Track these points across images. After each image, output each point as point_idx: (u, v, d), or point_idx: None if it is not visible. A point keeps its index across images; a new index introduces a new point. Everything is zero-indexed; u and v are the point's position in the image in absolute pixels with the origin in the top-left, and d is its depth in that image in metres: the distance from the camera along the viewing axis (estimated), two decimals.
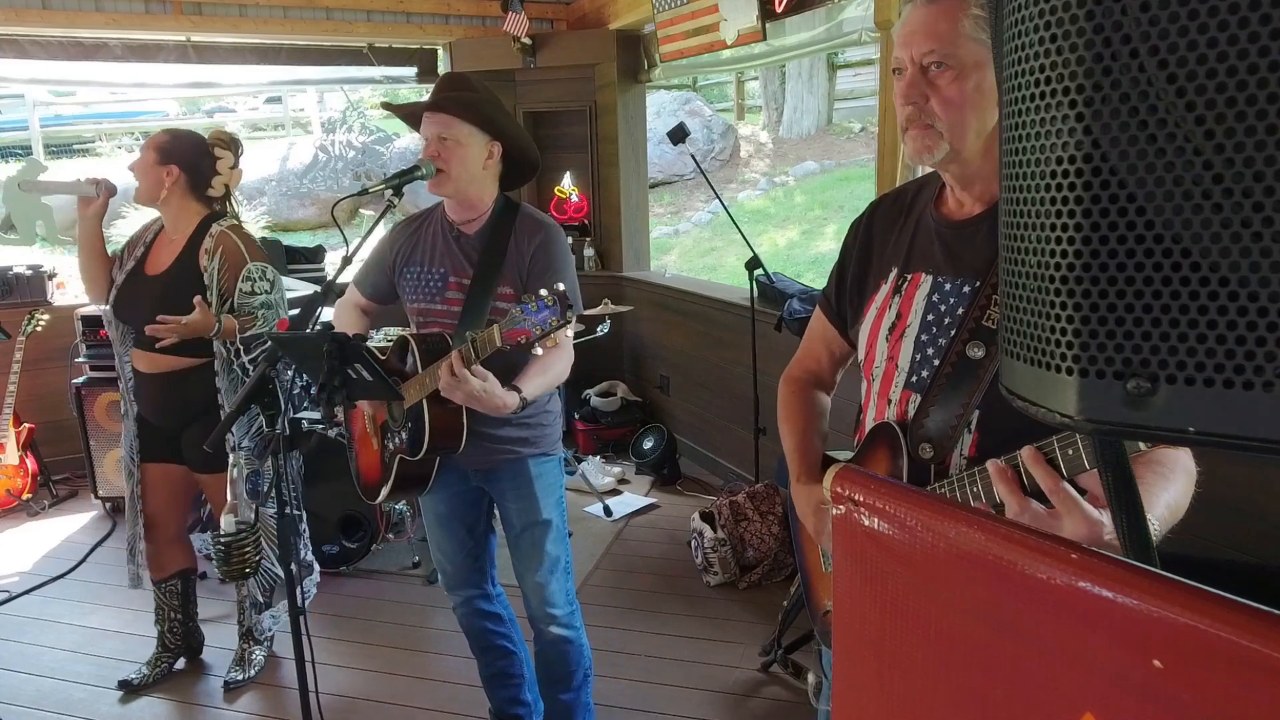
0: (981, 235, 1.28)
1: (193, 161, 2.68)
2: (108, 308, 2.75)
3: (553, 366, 2.06)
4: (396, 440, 2.15)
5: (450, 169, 2.06)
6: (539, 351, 1.80)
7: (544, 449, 2.24)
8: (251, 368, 2.73)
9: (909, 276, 1.36)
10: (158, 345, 2.59)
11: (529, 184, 5.60)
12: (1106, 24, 0.43)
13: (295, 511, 2.88)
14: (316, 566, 3.14)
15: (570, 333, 2.05)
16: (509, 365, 2.00)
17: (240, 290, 2.67)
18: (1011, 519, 1.05)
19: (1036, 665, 0.56)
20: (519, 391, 1.95)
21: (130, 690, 2.91)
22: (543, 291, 1.77)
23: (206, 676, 3.04)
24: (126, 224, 9.59)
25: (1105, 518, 0.98)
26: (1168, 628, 0.48)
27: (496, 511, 2.36)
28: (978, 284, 1.26)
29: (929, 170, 1.38)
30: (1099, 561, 0.52)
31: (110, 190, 2.72)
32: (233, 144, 2.77)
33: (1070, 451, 1.01)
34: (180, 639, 3.04)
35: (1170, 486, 1.11)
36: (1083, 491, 1.02)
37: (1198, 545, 2.18)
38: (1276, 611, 0.45)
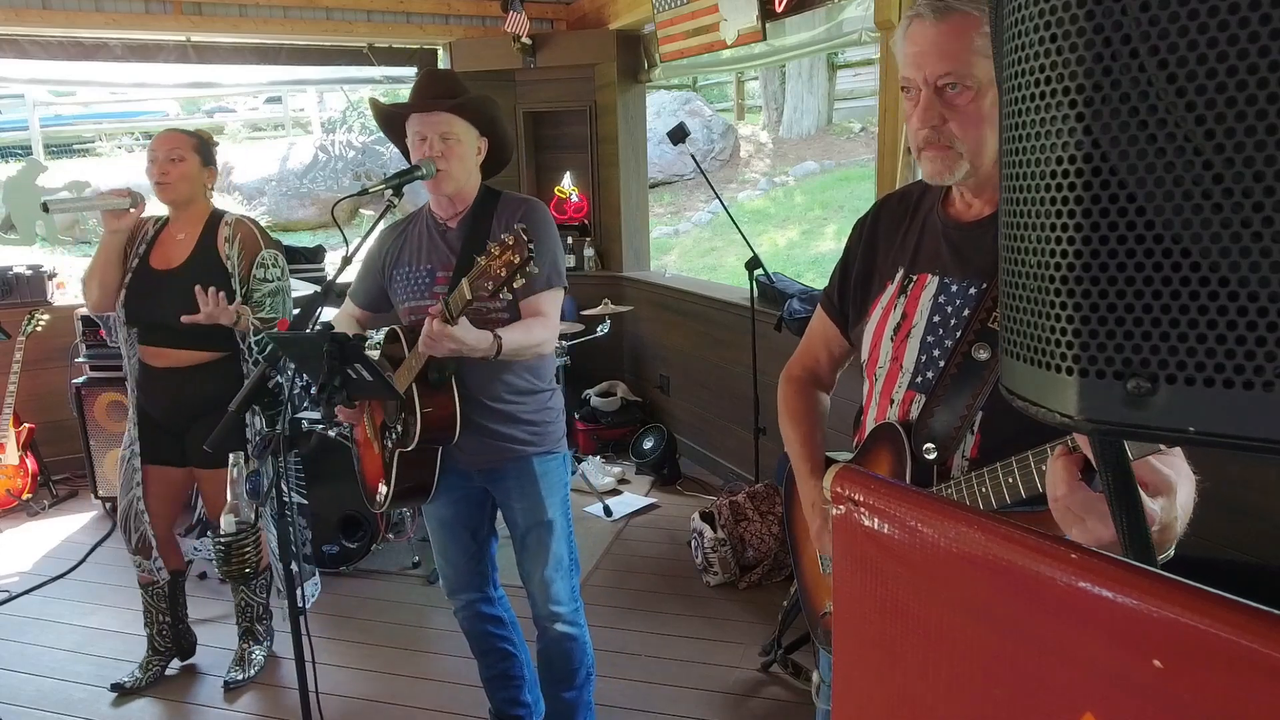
0: (990, 237, 1.27)
1: (214, 159, 2.81)
2: (118, 310, 2.73)
3: (533, 328, 2.09)
4: (394, 437, 2.15)
5: (451, 167, 2.08)
6: (508, 295, 1.82)
7: (548, 446, 2.24)
8: (262, 357, 2.75)
9: (914, 277, 1.36)
10: (184, 320, 2.60)
11: (529, 185, 5.61)
12: (1106, 24, 0.43)
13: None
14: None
15: (555, 300, 2.14)
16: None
17: (254, 276, 2.74)
18: (1057, 500, 0.97)
19: (1036, 665, 0.56)
20: (495, 333, 1.99)
21: (123, 693, 2.90)
22: (503, 235, 1.79)
23: (206, 677, 3.04)
24: None
25: (1156, 505, 0.94)
26: (1168, 628, 0.48)
27: (499, 513, 2.36)
28: (984, 285, 1.26)
29: None
30: (1099, 561, 0.52)
31: (144, 204, 2.71)
32: (216, 141, 2.90)
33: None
34: (170, 641, 3.03)
35: (1179, 489, 1.11)
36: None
37: (1198, 545, 2.18)
38: (1276, 611, 0.45)
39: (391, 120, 2.17)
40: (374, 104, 2.26)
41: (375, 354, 2.15)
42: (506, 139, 2.24)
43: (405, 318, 2.23)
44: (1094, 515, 0.91)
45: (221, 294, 2.58)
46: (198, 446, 2.76)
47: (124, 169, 10.96)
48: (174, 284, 2.67)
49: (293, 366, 2.20)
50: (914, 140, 1.25)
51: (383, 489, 2.20)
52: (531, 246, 1.77)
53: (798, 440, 1.56)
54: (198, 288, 2.57)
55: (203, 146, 2.73)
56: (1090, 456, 0.97)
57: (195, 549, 3.75)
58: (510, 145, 2.26)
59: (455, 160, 2.08)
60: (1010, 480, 1.12)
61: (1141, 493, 0.96)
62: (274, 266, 2.77)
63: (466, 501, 2.30)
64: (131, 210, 2.66)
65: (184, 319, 2.56)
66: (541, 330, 2.10)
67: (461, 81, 2.17)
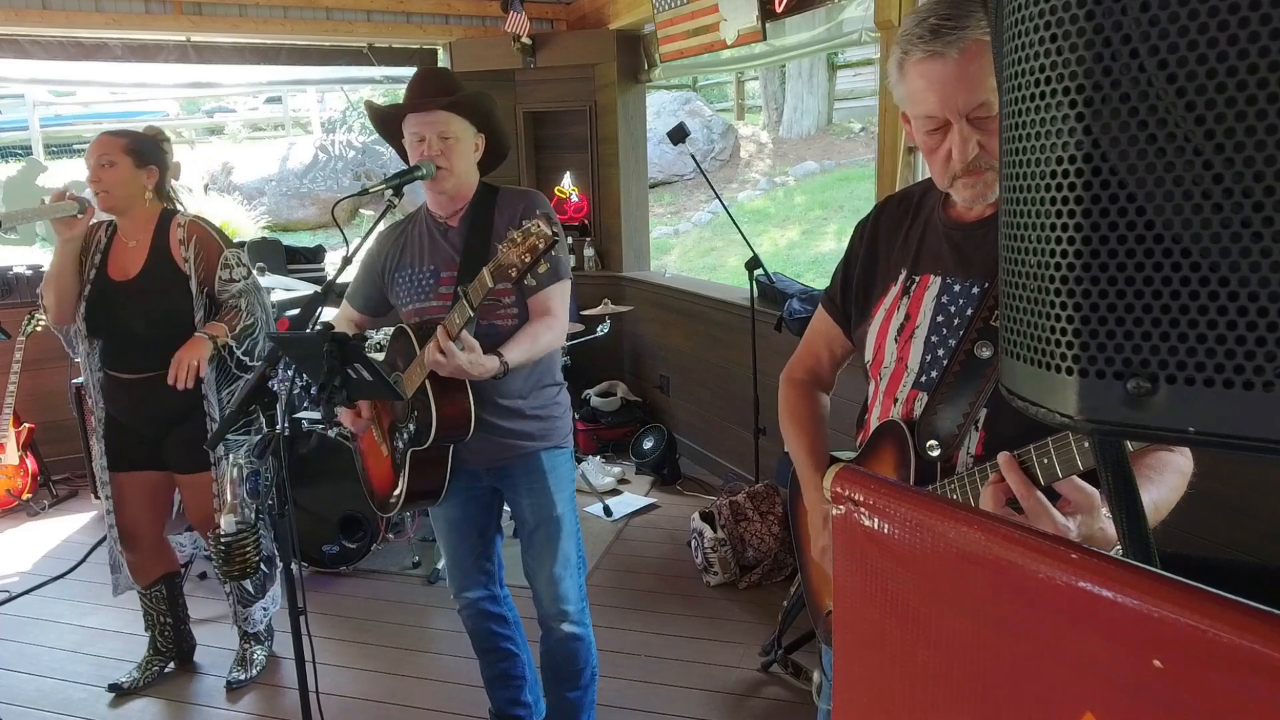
0: (991, 237, 1.28)
1: (159, 158, 2.68)
2: (79, 324, 2.65)
3: (540, 335, 2.08)
4: (405, 436, 2.15)
5: (452, 166, 2.08)
6: (532, 281, 1.81)
7: (555, 441, 2.24)
8: (246, 360, 2.70)
9: (917, 278, 1.36)
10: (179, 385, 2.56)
11: (529, 185, 5.61)
12: (1106, 24, 0.43)
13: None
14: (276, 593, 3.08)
15: (563, 294, 2.14)
16: (498, 341, 2.04)
17: (219, 278, 2.66)
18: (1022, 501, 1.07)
19: (1036, 665, 0.56)
20: (500, 356, 1.98)
21: (121, 693, 2.90)
22: (524, 222, 1.79)
23: (206, 677, 3.04)
24: None
25: (1072, 524, 1.03)
26: (1168, 628, 0.48)
27: (506, 509, 2.36)
28: (986, 285, 1.27)
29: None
30: (1099, 561, 0.52)
31: (93, 208, 2.59)
32: (166, 137, 2.77)
33: (1045, 460, 1.04)
34: (172, 643, 3.02)
35: (1154, 488, 1.14)
36: (1055, 497, 1.05)
37: (1198, 545, 2.18)
38: (1276, 611, 0.45)
39: (388, 122, 2.16)
40: (369, 106, 2.25)
41: (379, 355, 2.13)
42: (503, 134, 2.23)
43: (408, 321, 2.22)
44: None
45: (197, 364, 2.56)
46: (176, 453, 2.73)
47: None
48: (132, 294, 2.61)
49: (290, 366, 2.19)
50: (943, 172, 1.24)
51: (396, 491, 2.19)
52: (556, 232, 1.76)
53: (803, 448, 1.56)
54: (169, 375, 2.54)
55: (136, 147, 2.60)
56: (1012, 487, 1.06)
57: (196, 546, 3.74)
58: (507, 140, 2.26)
59: (455, 158, 2.08)
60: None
61: (1055, 512, 1.03)
62: (238, 266, 2.68)
63: (475, 502, 2.30)
64: (80, 217, 2.55)
65: (172, 378, 2.53)
66: (547, 333, 2.09)
67: (456, 78, 2.17)
